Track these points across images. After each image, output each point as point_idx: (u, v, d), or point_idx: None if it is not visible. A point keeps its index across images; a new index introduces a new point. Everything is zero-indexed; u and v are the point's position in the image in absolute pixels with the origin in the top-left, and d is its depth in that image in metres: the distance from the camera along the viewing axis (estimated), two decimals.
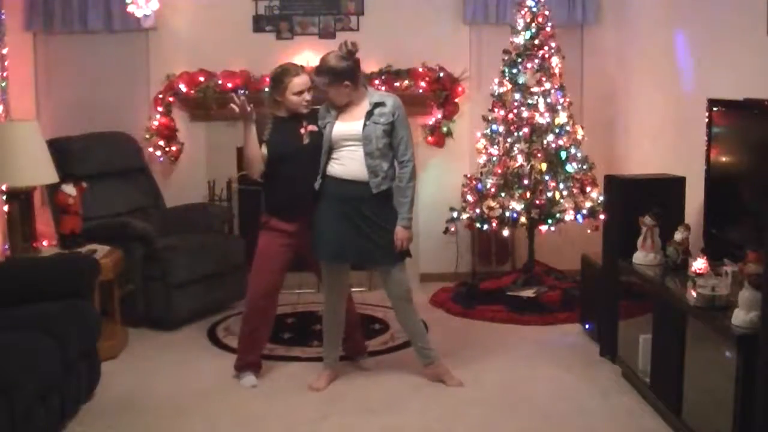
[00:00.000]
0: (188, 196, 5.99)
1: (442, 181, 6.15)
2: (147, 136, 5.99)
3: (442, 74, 6.02)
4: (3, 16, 5.46)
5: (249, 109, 4.01)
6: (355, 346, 4.44)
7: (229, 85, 5.92)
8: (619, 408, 3.88)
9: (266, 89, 5.69)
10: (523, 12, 5.50)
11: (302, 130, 4.07)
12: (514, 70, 5.50)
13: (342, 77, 3.91)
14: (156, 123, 5.99)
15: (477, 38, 6.14)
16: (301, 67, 4.20)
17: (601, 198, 5.04)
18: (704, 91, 4.26)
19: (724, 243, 3.76)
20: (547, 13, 5.50)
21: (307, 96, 4.07)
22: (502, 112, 5.54)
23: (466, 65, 6.10)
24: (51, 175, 4.65)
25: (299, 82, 4.05)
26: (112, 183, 5.55)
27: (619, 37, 5.93)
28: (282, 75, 4.07)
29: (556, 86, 5.50)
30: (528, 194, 5.43)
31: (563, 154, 5.46)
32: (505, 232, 5.56)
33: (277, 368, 4.38)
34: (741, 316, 3.02)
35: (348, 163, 3.95)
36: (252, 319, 4.19)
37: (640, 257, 4.03)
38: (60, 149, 5.14)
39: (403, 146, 3.99)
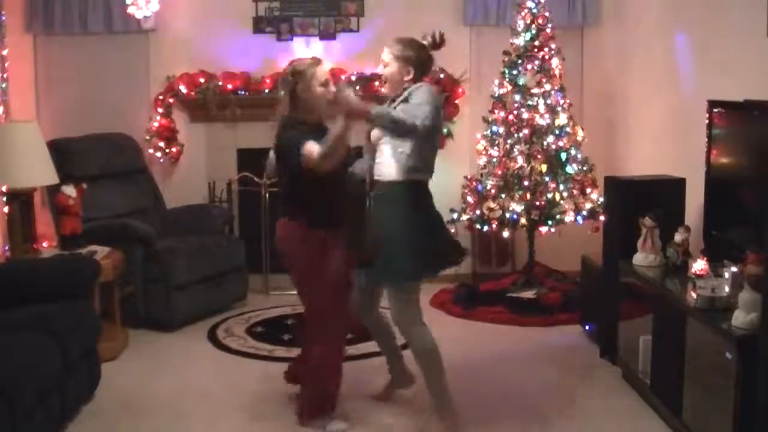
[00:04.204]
0: (188, 198, 5.99)
1: (442, 183, 6.03)
2: (147, 138, 5.99)
3: (442, 75, 6.01)
4: (3, 18, 5.46)
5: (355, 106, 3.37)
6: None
7: (230, 86, 5.93)
8: (619, 409, 3.88)
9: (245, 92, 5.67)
10: (523, 13, 5.50)
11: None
12: (515, 72, 5.50)
13: (410, 61, 3.53)
14: (156, 124, 5.99)
15: (477, 39, 6.14)
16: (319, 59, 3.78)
17: (601, 199, 5.05)
18: (704, 92, 4.26)
19: (724, 244, 3.76)
20: (547, 14, 5.50)
21: (333, 88, 3.60)
22: (502, 114, 5.54)
23: (466, 67, 6.10)
24: (51, 177, 4.65)
25: (324, 71, 3.63)
26: (112, 184, 5.55)
27: (619, 39, 5.93)
28: (302, 67, 3.61)
29: (556, 87, 5.50)
30: (528, 195, 5.43)
31: (563, 156, 5.46)
32: (506, 234, 5.56)
33: (277, 369, 4.36)
34: (741, 318, 3.02)
35: (380, 160, 3.55)
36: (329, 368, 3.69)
37: (640, 258, 4.03)
38: (60, 150, 5.14)
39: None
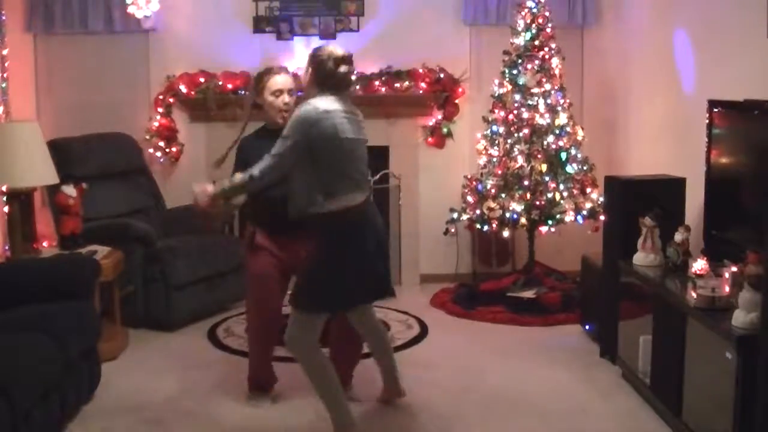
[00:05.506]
0: (188, 197, 5.91)
1: (442, 182, 6.15)
2: (147, 137, 5.99)
3: (442, 75, 6.02)
4: (3, 17, 5.46)
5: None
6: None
7: (230, 86, 5.93)
8: (619, 409, 3.88)
9: (245, 92, 5.57)
10: (523, 13, 5.51)
11: None
12: (515, 71, 5.51)
13: (310, 64, 3.45)
14: (156, 124, 6.00)
15: (477, 39, 6.14)
16: (286, 68, 3.97)
17: (602, 199, 5.05)
18: (704, 92, 4.26)
19: (724, 244, 3.76)
20: (547, 14, 5.51)
21: (286, 98, 3.79)
22: (503, 113, 5.55)
23: (466, 66, 6.10)
24: (51, 176, 4.65)
25: (279, 80, 3.78)
26: (112, 184, 5.55)
27: (619, 38, 5.93)
28: (263, 73, 3.82)
29: (557, 87, 5.51)
30: (528, 195, 5.44)
31: (563, 155, 5.46)
32: (506, 233, 5.56)
33: (277, 369, 4.36)
34: (741, 317, 3.02)
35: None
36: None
37: (640, 258, 4.03)
38: (60, 150, 5.13)
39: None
